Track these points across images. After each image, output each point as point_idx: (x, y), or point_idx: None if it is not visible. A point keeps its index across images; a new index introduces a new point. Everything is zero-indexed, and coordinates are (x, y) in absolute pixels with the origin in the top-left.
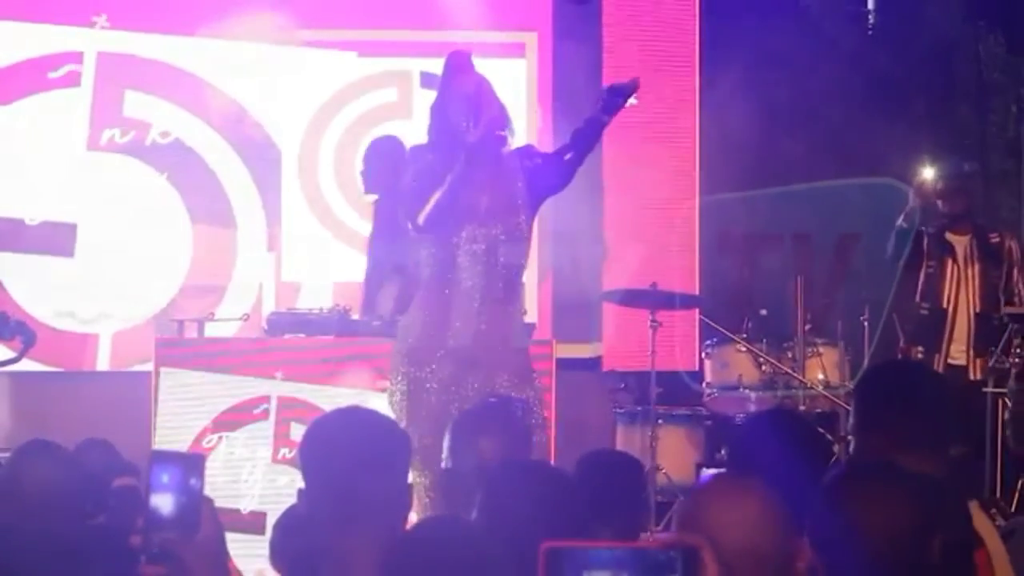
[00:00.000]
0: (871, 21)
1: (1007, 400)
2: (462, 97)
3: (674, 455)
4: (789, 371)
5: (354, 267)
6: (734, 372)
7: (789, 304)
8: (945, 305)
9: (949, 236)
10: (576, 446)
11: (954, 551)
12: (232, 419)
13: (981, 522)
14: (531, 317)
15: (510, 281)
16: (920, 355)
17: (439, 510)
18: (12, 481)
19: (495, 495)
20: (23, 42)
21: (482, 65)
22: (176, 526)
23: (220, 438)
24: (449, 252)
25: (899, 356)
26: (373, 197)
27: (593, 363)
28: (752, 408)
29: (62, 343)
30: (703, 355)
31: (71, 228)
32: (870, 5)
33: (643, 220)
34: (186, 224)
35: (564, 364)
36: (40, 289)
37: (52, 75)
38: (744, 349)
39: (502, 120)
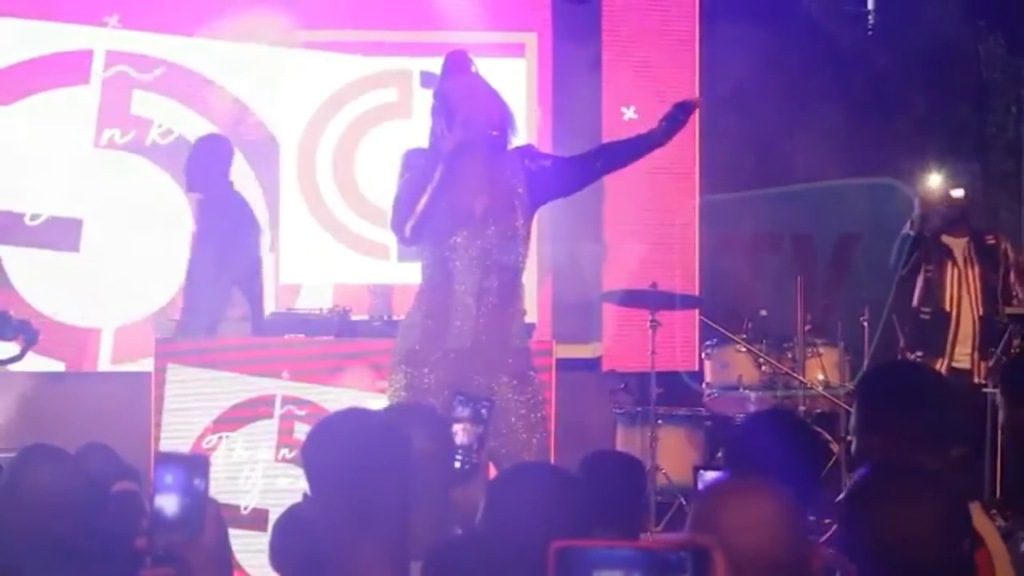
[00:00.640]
0: (871, 21)
1: None
2: (444, 101)
3: (674, 455)
4: (789, 371)
5: (354, 268)
6: (734, 372)
7: (789, 304)
8: (948, 308)
9: (946, 239)
10: (576, 446)
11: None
12: (237, 415)
13: (981, 522)
14: (531, 317)
15: (508, 282)
16: (919, 359)
17: None
18: (14, 485)
19: (500, 497)
20: (34, 40)
21: (482, 65)
22: (180, 527)
23: (220, 438)
24: (446, 254)
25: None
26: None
27: (593, 363)
28: (752, 408)
29: (65, 337)
30: (703, 355)
31: (77, 224)
32: (870, 5)
33: (643, 220)
34: (188, 223)
35: (564, 364)
36: (44, 284)
37: (61, 73)
38: (744, 349)
39: (498, 120)
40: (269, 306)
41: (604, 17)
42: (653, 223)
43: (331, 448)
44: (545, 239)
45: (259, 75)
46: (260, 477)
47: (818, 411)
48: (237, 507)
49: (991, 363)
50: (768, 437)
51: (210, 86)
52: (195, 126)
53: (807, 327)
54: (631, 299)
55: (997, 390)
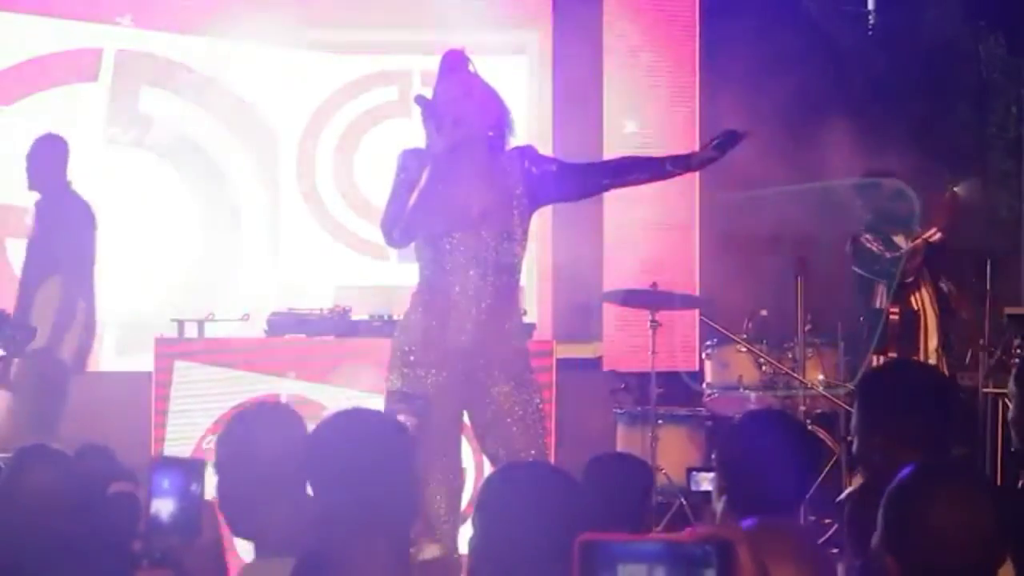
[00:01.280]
0: (871, 21)
1: (1008, 401)
2: (438, 101)
3: (674, 455)
4: (789, 372)
5: (353, 268)
6: (734, 372)
7: (789, 305)
8: (916, 307)
9: (897, 239)
10: (576, 446)
11: None
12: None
13: None
14: (531, 317)
15: (506, 282)
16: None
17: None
18: (10, 485)
19: (495, 495)
20: (44, 37)
21: (483, 63)
22: (177, 531)
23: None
24: (444, 254)
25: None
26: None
27: (593, 363)
28: (751, 408)
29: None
30: (703, 355)
31: None
32: (870, 5)
33: (643, 220)
34: (192, 221)
35: (564, 364)
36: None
37: (70, 70)
38: (744, 349)
39: (495, 120)
40: (269, 306)
41: (604, 17)
42: (653, 223)
43: (331, 448)
44: (545, 239)
45: (264, 74)
46: None
47: (818, 411)
48: None
49: (992, 363)
50: (761, 438)
51: (218, 85)
52: (200, 125)
53: (807, 327)
54: (631, 299)
55: (1011, 388)
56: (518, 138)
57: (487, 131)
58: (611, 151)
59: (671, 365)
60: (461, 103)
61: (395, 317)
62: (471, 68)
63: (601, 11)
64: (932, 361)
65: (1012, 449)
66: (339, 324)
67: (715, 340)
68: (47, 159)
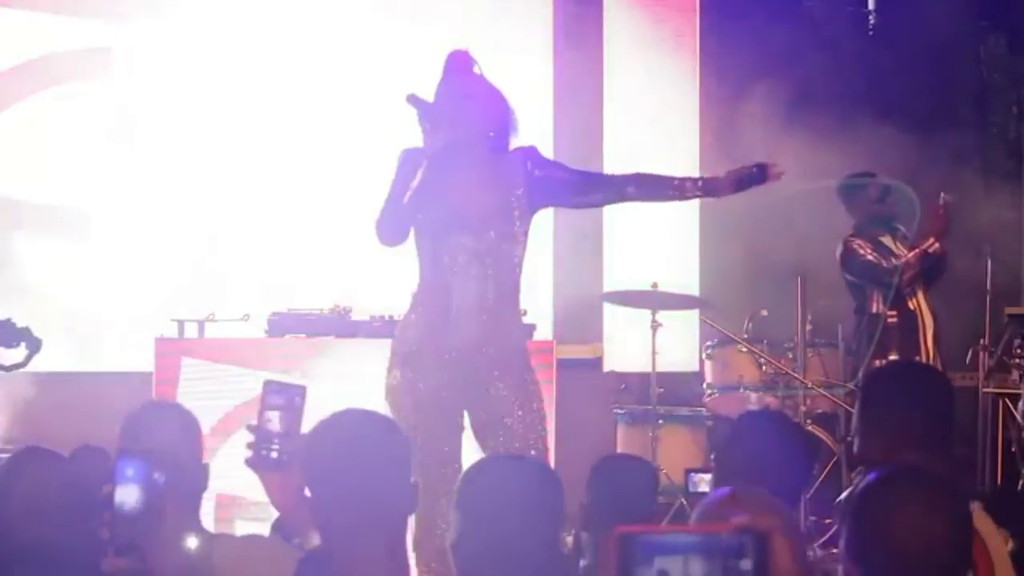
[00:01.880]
0: (872, 21)
1: (1008, 401)
2: (438, 101)
3: (675, 456)
4: (790, 372)
5: (355, 268)
6: (735, 373)
7: (790, 305)
8: (913, 308)
9: (884, 239)
10: (577, 447)
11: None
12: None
13: (982, 522)
14: (531, 318)
15: (506, 282)
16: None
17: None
18: (4, 487)
19: (472, 488)
20: (53, 33)
21: (490, 62)
22: (140, 519)
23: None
24: (443, 254)
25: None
26: None
27: (594, 364)
28: (755, 409)
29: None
30: (704, 356)
31: (86, 216)
32: (871, 5)
33: (644, 220)
34: (197, 219)
35: (565, 365)
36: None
37: (80, 67)
38: (745, 350)
39: (496, 121)
40: (270, 306)
41: (605, 16)
42: (654, 223)
43: (326, 448)
44: (546, 240)
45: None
46: None
47: (819, 411)
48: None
49: (992, 363)
50: (758, 438)
51: (229, 80)
52: (210, 120)
53: (808, 327)
54: (632, 299)
55: None
56: (519, 139)
57: (488, 131)
58: (610, 151)
59: (672, 365)
60: (461, 104)
61: (395, 317)
62: (476, 69)
63: (601, 13)
64: (932, 363)
65: (1012, 449)
66: (339, 324)
67: (716, 340)
68: None
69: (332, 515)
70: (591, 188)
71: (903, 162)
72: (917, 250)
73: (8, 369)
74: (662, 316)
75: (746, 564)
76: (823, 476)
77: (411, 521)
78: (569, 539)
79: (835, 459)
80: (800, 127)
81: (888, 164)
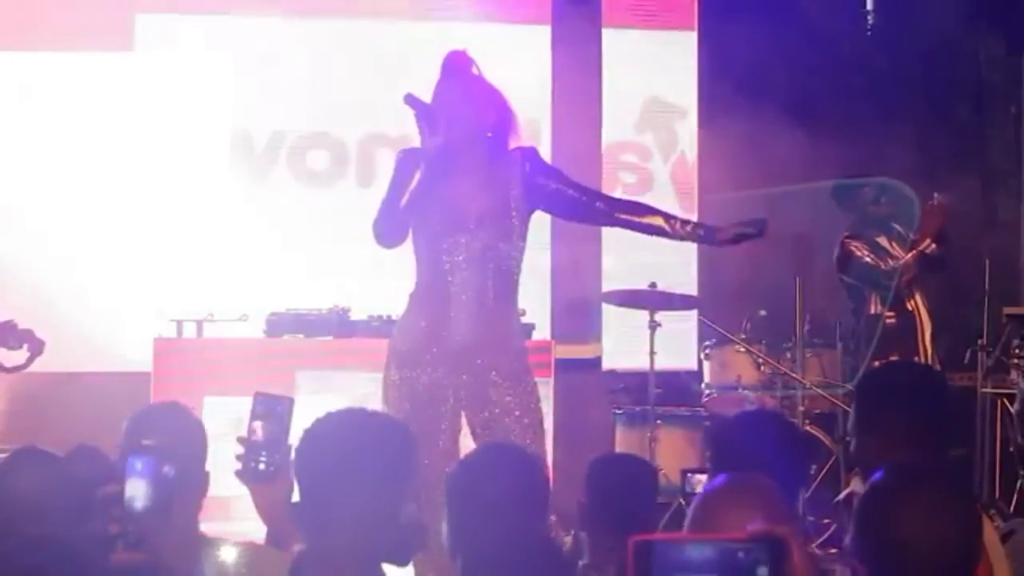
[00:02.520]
0: (870, 21)
1: (1007, 400)
2: (436, 102)
3: (673, 456)
4: (788, 372)
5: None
6: (733, 373)
7: (788, 305)
8: (911, 309)
9: (880, 240)
10: (575, 447)
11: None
12: None
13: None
14: (530, 317)
15: (504, 282)
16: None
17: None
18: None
19: (462, 479)
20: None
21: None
22: (150, 513)
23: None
24: (442, 254)
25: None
26: None
27: (592, 364)
28: (750, 409)
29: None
30: (702, 356)
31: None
32: (869, 5)
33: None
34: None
35: (563, 365)
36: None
37: (100, 35)
38: (743, 350)
39: (494, 122)
40: (270, 306)
41: (605, 16)
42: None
43: (306, 452)
44: (544, 239)
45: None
46: None
47: (817, 411)
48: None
49: (991, 363)
50: (753, 437)
51: (242, 71)
52: (224, 109)
53: (806, 327)
54: (630, 299)
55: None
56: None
57: (486, 132)
58: (610, 150)
59: (670, 365)
60: (458, 105)
61: (393, 317)
62: (474, 70)
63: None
64: (929, 363)
65: (1011, 449)
66: (338, 324)
67: (714, 340)
68: None
69: (307, 517)
70: (587, 209)
71: (901, 162)
72: (914, 252)
73: (10, 371)
74: (660, 316)
75: (763, 572)
76: (821, 476)
77: None
78: (568, 539)
79: (833, 459)
80: (798, 127)
81: (886, 164)
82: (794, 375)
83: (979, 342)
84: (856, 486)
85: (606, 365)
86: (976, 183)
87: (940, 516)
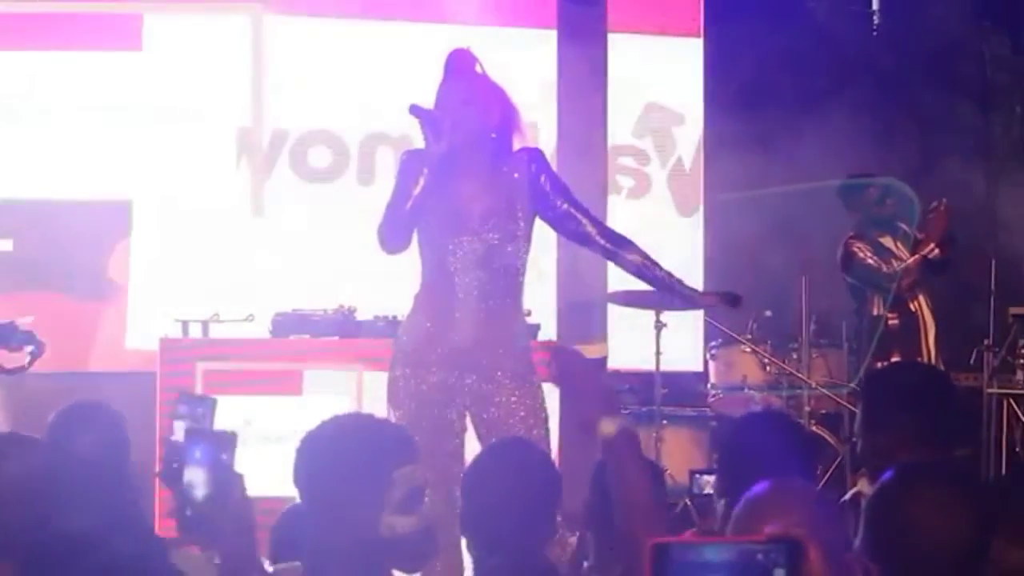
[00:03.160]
0: (875, 21)
1: (1013, 401)
2: (439, 103)
3: (679, 456)
4: (794, 372)
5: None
6: (739, 373)
7: (794, 305)
8: (914, 310)
9: (885, 240)
10: (580, 448)
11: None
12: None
13: None
14: (535, 318)
15: (509, 283)
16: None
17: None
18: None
19: (478, 471)
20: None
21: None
22: (208, 501)
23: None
24: (446, 255)
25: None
26: None
27: (598, 364)
28: (757, 409)
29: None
30: (708, 356)
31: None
32: (875, 5)
33: (648, 220)
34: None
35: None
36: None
37: (110, 34)
38: (749, 350)
39: (498, 123)
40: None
41: (609, 17)
42: (658, 222)
43: (306, 454)
44: (549, 239)
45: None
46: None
47: (823, 411)
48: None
49: (996, 363)
50: (760, 438)
51: (257, 66)
52: (239, 105)
53: (812, 328)
54: (636, 300)
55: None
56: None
57: (490, 133)
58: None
59: (676, 366)
60: (461, 109)
61: (399, 318)
62: (478, 68)
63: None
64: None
65: (1017, 449)
66: (343, 324)
67: (720, 341)
68: None
69: (310, 518)
70: (575, 225)
71: (907, 162)
72: (917, 256)
73: (11, 372)
74: (666, 316)
75: (780, 574)
76: (827, 477)
77: None
78: (573, 540)
79: (839, 459)
80: (804, 126)
81: (891, 164)
82: (800, 375)
83: (985, 342)
84: (863, 486)
85: (612, 365)
86: (982, 183)
87: (951, 514)
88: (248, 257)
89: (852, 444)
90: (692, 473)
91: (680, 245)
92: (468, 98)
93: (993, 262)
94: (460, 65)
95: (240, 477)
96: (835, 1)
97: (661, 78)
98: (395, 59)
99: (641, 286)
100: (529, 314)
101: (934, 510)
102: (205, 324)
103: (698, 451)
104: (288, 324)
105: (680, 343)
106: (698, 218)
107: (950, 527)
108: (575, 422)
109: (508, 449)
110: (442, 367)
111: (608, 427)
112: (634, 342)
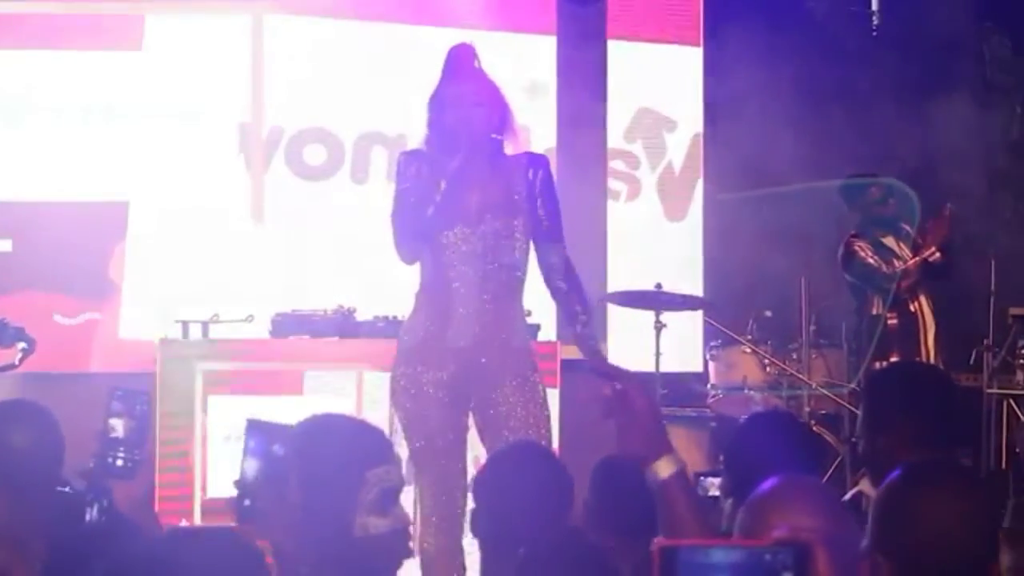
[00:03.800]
0: (875, 21)
1: (1013, 402)
2: (449, 113)
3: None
4: (794, 372)
5: (356, 267)
6: (739, 373)
7: (794, 305)
8: (914, 311)
9: (887, 240)
10: (581, 447)
11: None
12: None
13: None
14: (535, 319)
15: (508, 282)
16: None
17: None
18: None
19: (492, 472)
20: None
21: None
22: (261, 489)
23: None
24: (446, 254)
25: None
26: None
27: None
28: (757, 410)
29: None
30: (708, 356)
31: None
32: (874, 6)
33: (647, 220)
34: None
35: (569, 365)
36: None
37: (111, 33)
38: (749, 350)
39: (499, 123)
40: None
41: (609, 18)
42: (657, 223)
43: (290, 454)
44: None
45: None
46: None
47: (823, 412)
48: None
49: (996, 364)
50: (766, 438)
51: (260, 66)
52: (240, 105)
53: (812, 328)
54: (636, 300)
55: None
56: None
57: (491, 133)
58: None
59: (676, 366)
60: (468, 106)
61: (399, 318)
62: (477, 64)
63: (605, 13)
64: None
65: (1017, 450)
66: (343, 325)
67: (719, 341)
68: None
69: (285, 518)
70: (543, 240)
71: (906, 162)
72: (918, 258)
73: (2, 370)
74: (666, 317)
75: None
76: (827, 477)
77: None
78: None
79: (839, 460)
80: (804, 126)
81: (891, 164)
82: (800, 376)
83: (984, 343)
84: (864, 486)
85: None
86: (982, 183)
87: (959, 512)
88: (246, 256)
89: (852, 444)
90: (697, 476)
91: (667, 249)
92: (478, 100)
93: (993, 262)
94: (463, 62)
95: (296, 468)
96: (835, 1)
97: (653, 84)
98: (394, 59)
99: (641, 286)
100: (529, 314)
101: (945, 506)
102: (205, 324)
103: (698, 452)
104: (288, 324)
105: (680, 343)
106: (686, 223)
107: (961, 524)
108: (624, 452)
109: (520, 451)
110: (443, 366)
111: (666, 469)
112: (634, 342)
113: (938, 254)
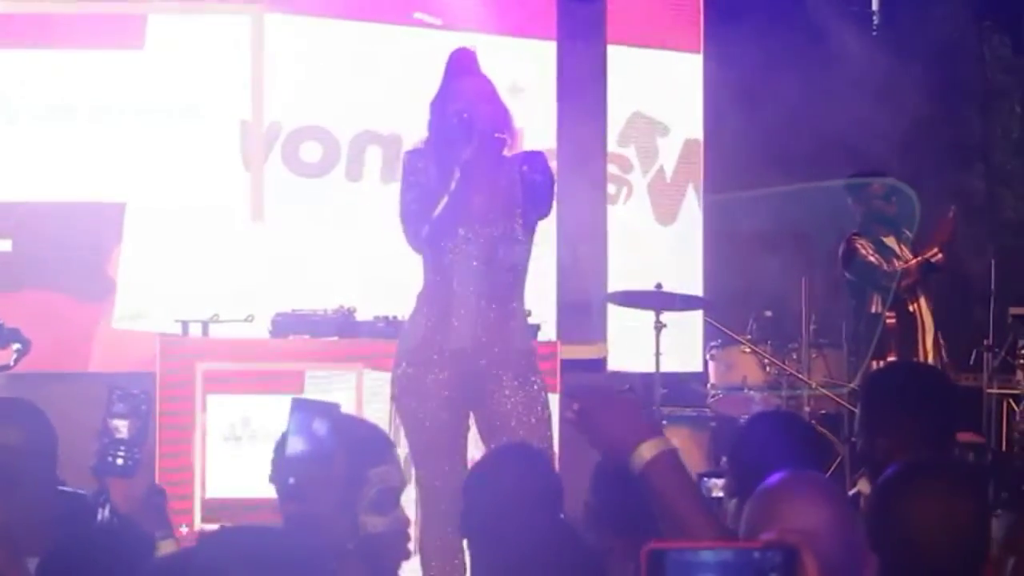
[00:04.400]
0: (875, 21)
1: (1012, 401)
2: (458, 106)
3: None
4: (794, 372)
5: (358, 267)
6: (739, 373)
7: (794, 305)
8: (912, 311)
9: (888, 240)
10: (581, 448)
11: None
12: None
13: None
14: (535, 319)
15: (509, 282)
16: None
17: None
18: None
19: (480, 473)
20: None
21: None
22: (304, 465)
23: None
24: (447, 254)
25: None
26: None
27: (598, 364)
28: (757, 410)
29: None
30: (708, 356)
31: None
32: (874, 6)
33: (647, 220)
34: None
35: (569, 365)
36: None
37: (112, 33)
38: (749, 350)
39: (502, 123)
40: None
41: (609, 17)
42: (657, 223)
43: (283, 455)
44: (549, 240)
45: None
46: None
47: (823, 412)
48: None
49: (996, 363)
50: (769, 439)
51: (263, 65)
52: (240, 105)
53: (812, 328)
54: (636, 300)
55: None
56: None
57: (495, 132)
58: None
59: (676, 366)
60: (477, 106)
61: (400, 318)
62: (478, 66)
63: (605, 12)
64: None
65: (1016, 449)
66: (343, 325)
67: (719, 341)
68: None
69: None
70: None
71: (906, 162)
72: (919, 258)
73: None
74: (666, 317)
75: None
76: (827, 476)
77: (414, 520)
78: None
79: (839, 460)
80: (804, 126)
81: (891, 164)
82: (800, 376)
83: (984, 343)
84: (863, 486)
85: (611, 366)
86: (982, 183)
87: (951, 510)
88: (247, 255)
89: (852, 444)
90: (699, 476)
91: (657, 253)
92: (487, 97)
93: (993, 262)
94: (467, 64)
95: (344, 449)
96: (835, 1)
97: (646, 88)
98: (392, 60)
99: (641, 286)
100: (529, 314)
101: (937, 506)
102: (205, 324)
103: (698, 452)
104: (288, 324)
105: (680, 343)
106: (676, 227)
107: (952, 524)
108: (607, 457)
109: (509, 453)
110: (444, 366)
111: (648, 451)
112: (634, 342)
113: (940, 256)
